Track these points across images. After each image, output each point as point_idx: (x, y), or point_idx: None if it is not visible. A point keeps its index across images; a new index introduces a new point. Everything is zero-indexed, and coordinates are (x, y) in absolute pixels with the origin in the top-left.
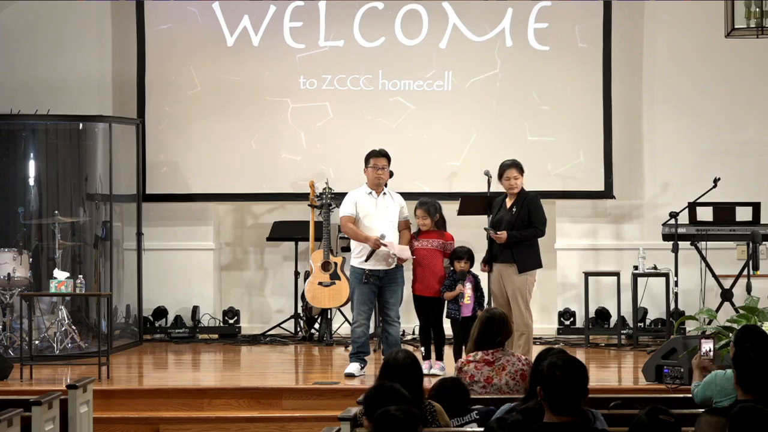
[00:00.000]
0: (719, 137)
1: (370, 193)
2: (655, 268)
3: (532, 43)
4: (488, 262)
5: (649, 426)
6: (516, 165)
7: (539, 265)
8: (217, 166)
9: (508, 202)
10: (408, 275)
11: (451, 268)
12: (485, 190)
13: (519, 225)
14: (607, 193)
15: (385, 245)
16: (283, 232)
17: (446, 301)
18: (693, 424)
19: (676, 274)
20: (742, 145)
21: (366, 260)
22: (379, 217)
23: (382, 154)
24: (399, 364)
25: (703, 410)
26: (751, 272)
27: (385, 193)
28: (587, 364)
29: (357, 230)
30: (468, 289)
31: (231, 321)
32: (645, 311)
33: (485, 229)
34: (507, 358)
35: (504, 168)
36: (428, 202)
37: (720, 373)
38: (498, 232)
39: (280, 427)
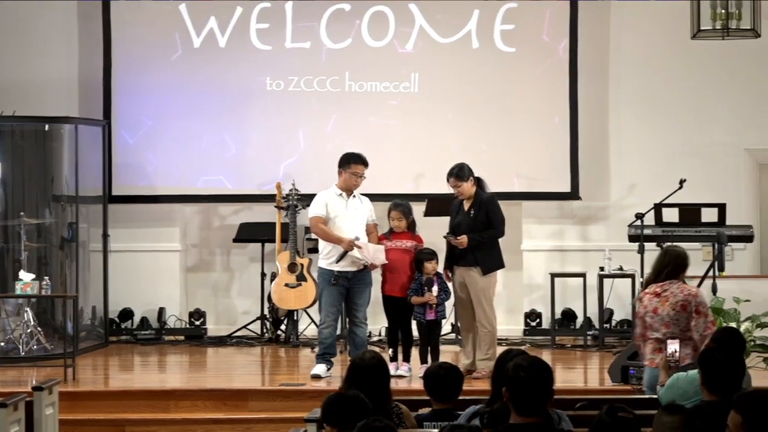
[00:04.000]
0: (685, 138)
1: (341, 194)
2: (621, 269)
3: (498, 45)
4: (450, 267)
5: (611, 424)
6: (454, 174)
7: (502, 266)
8: (184, 168)
9: (466, 206)
10: (377, 276)
11: (418, 273)
12: (452, 191)
13: (478, 227)
14: (573, 194)
15: (359, 247)
16: (249, 233)
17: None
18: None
19: (642, 275)
20: (708, 147)
21: (337, 261)
22: (349, 219)
23: (364, 162)
24: (366, 365)
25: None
26: (717, 273)
27: (354, 196)
28: (553, 365)
29: (329, 231)
30: (435, 292)
31: (197, 322)
32: (611, 312)
33: (445, 236)
34: (672, 290)
35: (446, 178)
36: (403, 204)
37: (681, 375)
38: (458, 237)
39: (246, 429)
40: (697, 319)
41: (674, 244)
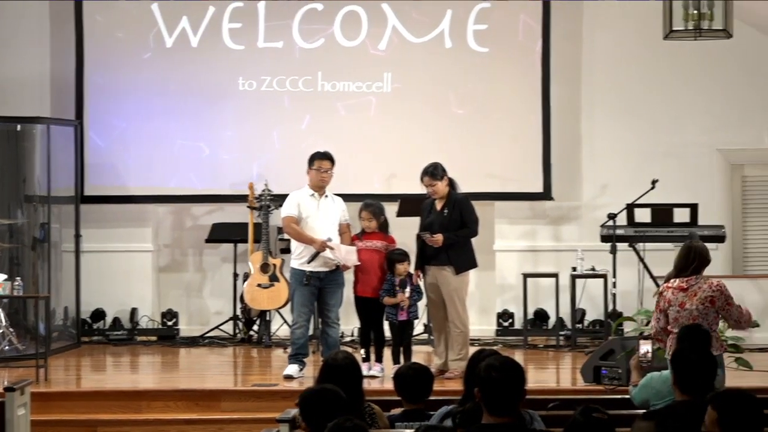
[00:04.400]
0: (657, 138)
1: (312, 194)
2: (593, 269)
3: (471, 45)
4: (421, 267)
5: (585, 425)
6: (428, 173)
7: (474, 265)
8: (156, 168)
9: (438, 205)
10: (349, 277)
11: (389, 274)
12: (424, 191)
13: (452, 226)
14: (545, 194)
15: (331, 248)
16: (221, 233)
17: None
18: (629, 425)
19: (614, 276)
20: (680, 147)
21: (308, 262)
22: (321, 219)
23: (327, 157)
24: (338, 365)
25: (640, 412)
26: None
27: (326, 196)
28: (526, 366)
29: (301, 231)
30: (407, 293)
31: (169, 323)
32: (583, 312)
33: (419, 234)
34: (699, 285)
35: (420, 177)
36: (374, 204)
37: (655, 375)
38: (433, 236)
39: (218, 429)
40: (729, 310)
41: (696, 240)
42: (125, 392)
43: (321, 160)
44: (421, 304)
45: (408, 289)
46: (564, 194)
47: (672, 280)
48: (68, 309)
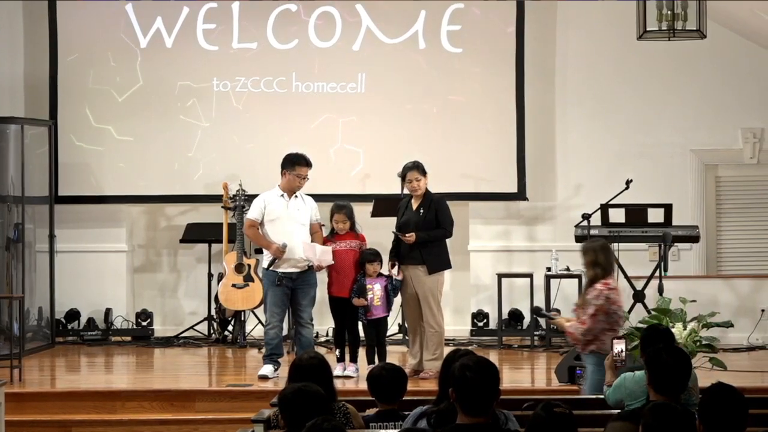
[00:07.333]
0: (631, 139)
1: (282, 195)
2: (567, 269)
3: (445, 46)
4: (396, 258)
5: (548, 420)
6: (417, 167)
7: (448, 266)
8: (130, 168)
9: (414, 204)
10: (323, 277)
11: (360, 274)
12: (398, 191)
13: (426, 226)
14: (520, 194)
15: (283, 253)
16: (196, 234)
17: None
18: (605, 425)
19: None
20: (654, 147)
21: (267, 268)
22: (290, 220)
23: (308, 164)
24: (305, 365)
25: (616, 412)
26: (663, 273)
27: (296, 196)
28: (500, 366)
29: (259, 236)
30: (378, 290)
31: (144, 323)
32: (558, 312)
33: (393, 231)
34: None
35: (405, 170)
36: (347, 206)
37: (629, 375)
38: (407, 234)
39: (193, 429)
40: None
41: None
42: (100, 392)
43: (303, 167)
44: (396, 303)
45: (379, 287)
46: (538, 194)
47: (610, 281)
48: (42, 309)
